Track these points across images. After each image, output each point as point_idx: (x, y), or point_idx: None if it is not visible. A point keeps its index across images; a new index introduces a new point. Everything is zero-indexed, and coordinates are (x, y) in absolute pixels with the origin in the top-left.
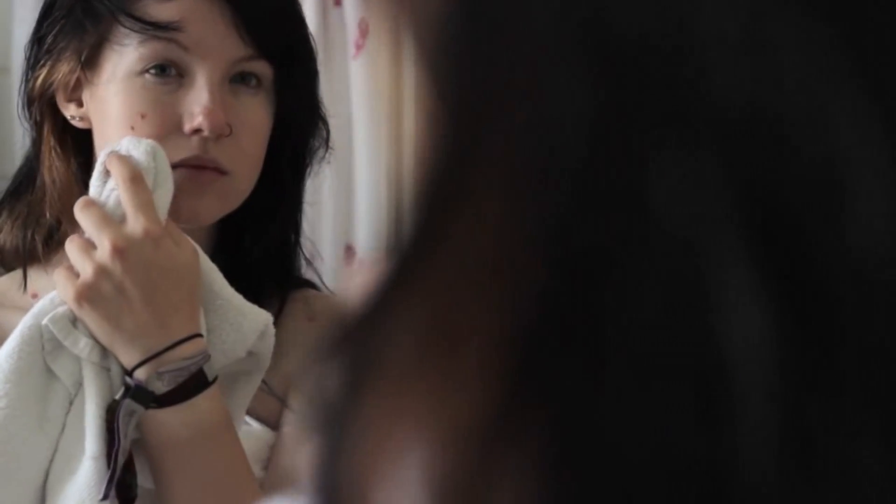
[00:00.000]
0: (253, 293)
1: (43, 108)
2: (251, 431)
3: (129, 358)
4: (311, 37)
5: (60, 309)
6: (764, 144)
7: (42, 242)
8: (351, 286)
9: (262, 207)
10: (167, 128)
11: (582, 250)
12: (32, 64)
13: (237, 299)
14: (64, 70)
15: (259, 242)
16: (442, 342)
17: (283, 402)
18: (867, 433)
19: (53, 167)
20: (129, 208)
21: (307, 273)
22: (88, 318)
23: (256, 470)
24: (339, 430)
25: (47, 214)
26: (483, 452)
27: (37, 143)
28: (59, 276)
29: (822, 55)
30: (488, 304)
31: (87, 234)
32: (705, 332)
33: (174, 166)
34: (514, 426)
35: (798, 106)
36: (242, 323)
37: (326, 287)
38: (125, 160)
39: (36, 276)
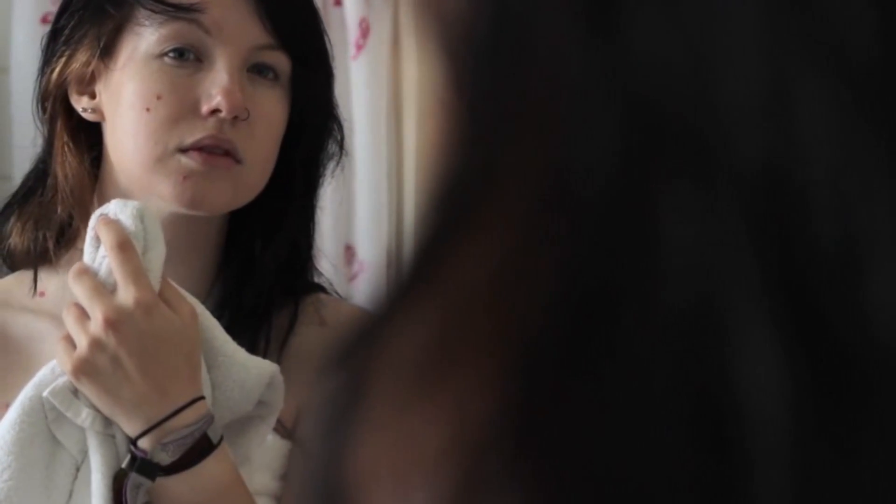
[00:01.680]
0: (265, 301)
1: (56, 103)
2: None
3: (131, 428)
4: (327, 38)
5: (61, 380)
6: (782, 206)
7: (53, 242)
8: (352, 288)
9: (273, 213)
10: (183, 109)
11: (591, 287)
12: (48, 58)
13: (240, 354)
14: (81, 60)
15: (269, 249)
16: (446, 359)
17: (288, 435)
18: (884, 494)
19: (66, 163)
20: (119, 277)
21: (316, 277)
22: (87, 390)
23: (268, 479)
24: (340, 439)
25: (59, 211)
26: (482, 468)
27: (49, 139)
28: (58, 347)
29: (843, 124)
30: (494, 326)
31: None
32: (720, 380)
33: (189, 149)
34: (514, 445)
35: (818, 172)
36: (246, 379)
37: (336, 291)
38: (113, 226)
39: (46, 276)
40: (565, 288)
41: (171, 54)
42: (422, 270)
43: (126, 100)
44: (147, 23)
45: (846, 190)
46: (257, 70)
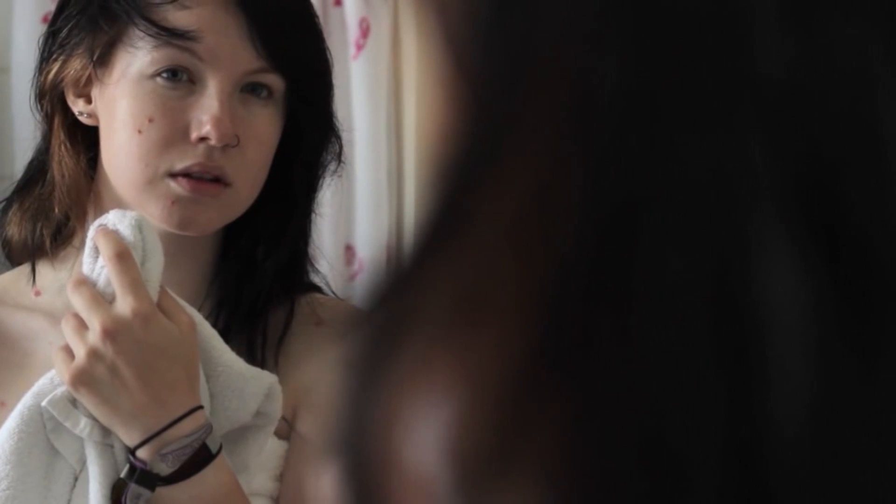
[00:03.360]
0: (262, 301)
1: (53, 102)
2: None
3: (129, 438)
4: (327, 51)
5: (59, 390)
6: (805, 113)
7: (50, 237)
8: (352, 288)
9: (272, 221)
10: (174, 133)
11: (612, 212)
12: (45, 57)
13: (238, 364)
14: (76, 66)
15: (270, 256)
16: (472, 303)
17: (286, 435)
18: None
19: (63, 162)
20: (117, 288)
21: (313, 277)
22: (85, 400)
23: (265, 480)
24: (367, 389)
25: (56, 209)
26: (510, 410)
27: (47, 137)
28: (56, 357)
29: (866, 31)
30: (518, 266)
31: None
32: (740, 288)
33: (178, 175)
34: (542, 384)
35: (841, 79)
36: (245, 389)
37: (332, 291)
38: (111, 236)
39: (43, 271)
40: (589, 214)
41: (164, 75)
42: (444, 225)
43: (119, 117)
44: (140, 44)
45: (872, 96)
46: (251, 89)
